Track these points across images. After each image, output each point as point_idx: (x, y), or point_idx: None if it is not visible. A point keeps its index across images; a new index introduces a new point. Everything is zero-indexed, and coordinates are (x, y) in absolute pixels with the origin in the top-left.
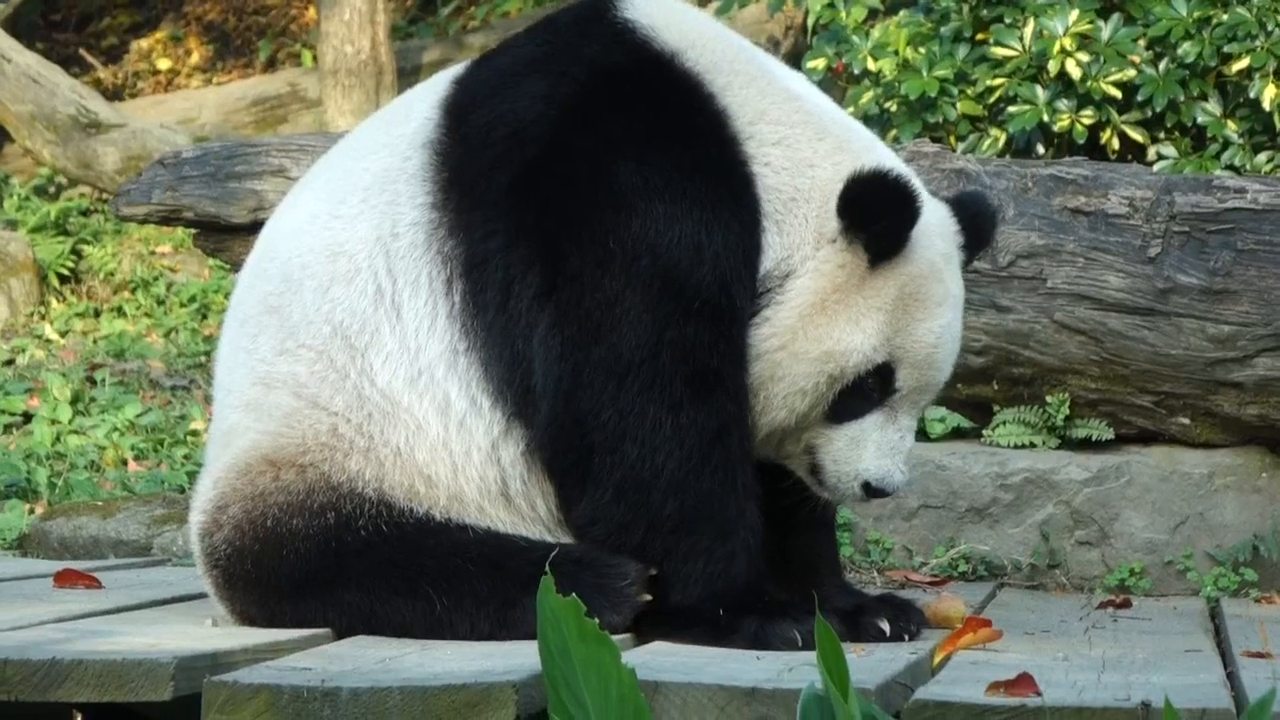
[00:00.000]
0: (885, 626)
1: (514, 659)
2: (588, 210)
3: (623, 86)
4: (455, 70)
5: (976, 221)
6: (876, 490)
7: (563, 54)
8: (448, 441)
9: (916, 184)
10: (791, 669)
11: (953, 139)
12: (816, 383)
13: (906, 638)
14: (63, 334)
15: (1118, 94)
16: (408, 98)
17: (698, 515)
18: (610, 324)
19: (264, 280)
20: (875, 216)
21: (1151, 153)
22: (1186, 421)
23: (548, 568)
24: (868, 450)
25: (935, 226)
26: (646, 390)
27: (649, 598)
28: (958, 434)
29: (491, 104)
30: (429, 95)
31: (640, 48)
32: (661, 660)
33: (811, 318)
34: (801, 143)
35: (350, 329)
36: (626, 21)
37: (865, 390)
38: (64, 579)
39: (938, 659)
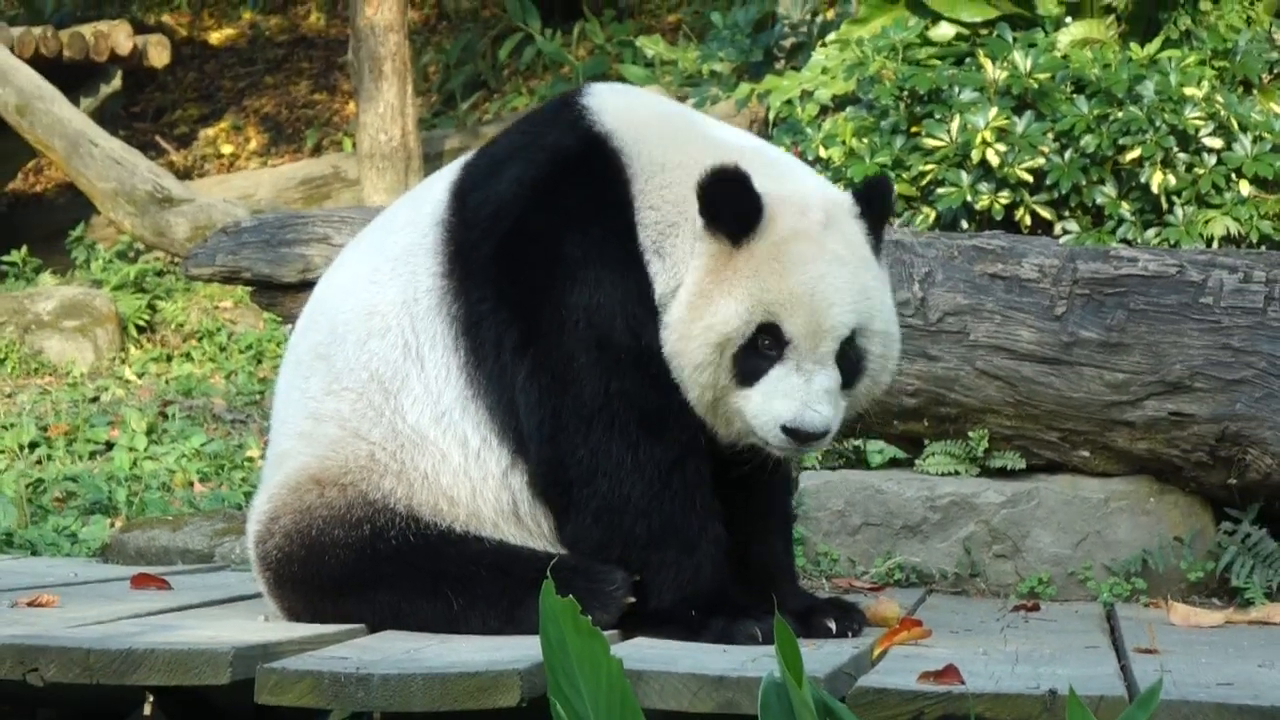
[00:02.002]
0: (832, 625)
1: (519, 651)
2: (546, 279)
3: (569, 168)
4: (466, 156)
5: (872, 195)
6: (795, 430)
7: (535, 142)
8: (467, 469)
9: (757, 173)
10: (754, 660)
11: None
12: (706, 354)
13: (850, 634)
14: (139, 375)
15: (1030, 179)
16: (430, 180)
17: (664, 534)
18: (571, 377)
19: (315, 331)
20: (719, 205)
21: (1058, 228)
22: (1087, 454)
23: (548, 574)
24: (777, 399)
25: (799, 201)
26: (608, 432)
27: (633, 600)
28: (894, 463)
29: (483, 187)
30: (444, 179)
31: (586, 132)
32: (644, 652)
33: (695, 304)
34: (691, 175)
35: (385, 375)
36: (582, 109)
37: (762, 350)
38: (139, 581)
39: (877, 652)
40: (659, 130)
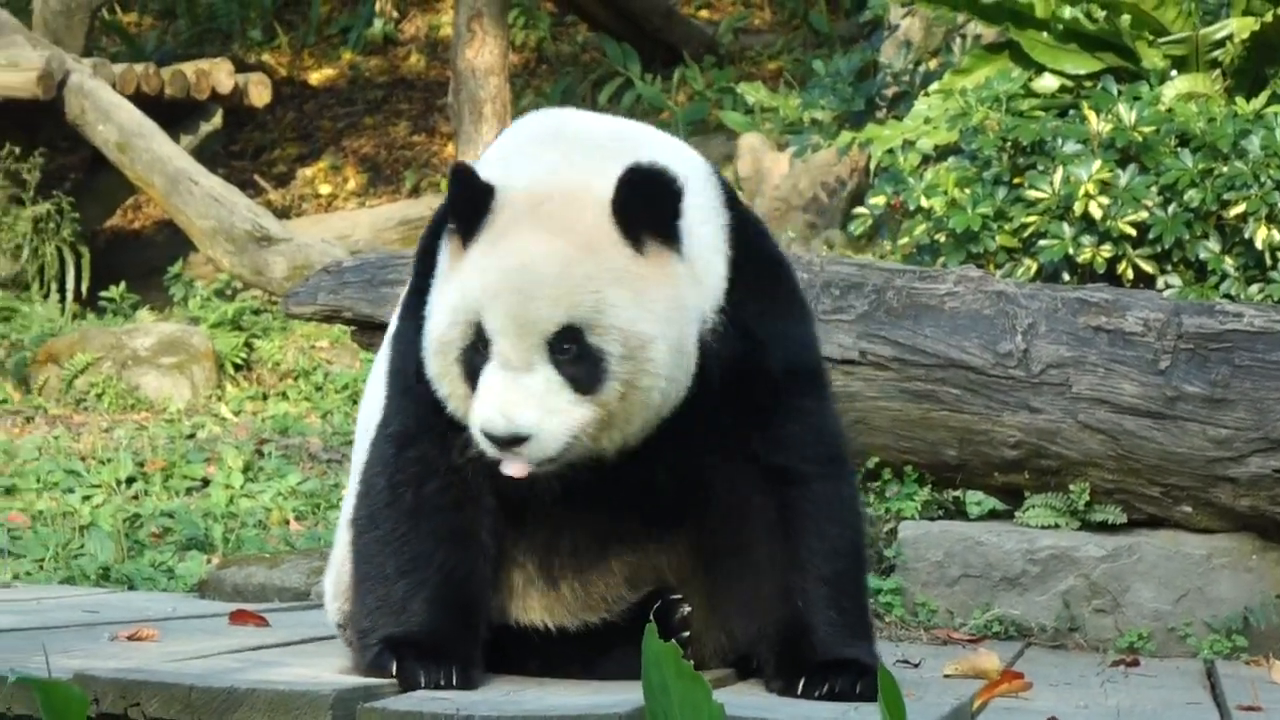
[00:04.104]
0: (833, 687)
1: (619, 695)
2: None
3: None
4: None
5: (621, 188)
6: (487, 434)
7: None
8: None
9: (525, 166)
10: (855, 709)
11: (992, 266)
12: (438, 364)
13: (843, 699)
14: (236, 413)
15: (1132, 232)
16: None
17: (378, 554)
18: (385, 409)
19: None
20: (450, 203)
21: (1160, 283)
22: (1189, 510)
23: None
24: (478, 401)
25: (540, 193)
26: (372, 450)
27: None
28: (993, 515)
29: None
30: None
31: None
32: (744, 699)
33: (428, 313)
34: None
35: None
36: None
37: (480, 351)
38: (238, 618)
39: (977, 704)
40: (512, 139)
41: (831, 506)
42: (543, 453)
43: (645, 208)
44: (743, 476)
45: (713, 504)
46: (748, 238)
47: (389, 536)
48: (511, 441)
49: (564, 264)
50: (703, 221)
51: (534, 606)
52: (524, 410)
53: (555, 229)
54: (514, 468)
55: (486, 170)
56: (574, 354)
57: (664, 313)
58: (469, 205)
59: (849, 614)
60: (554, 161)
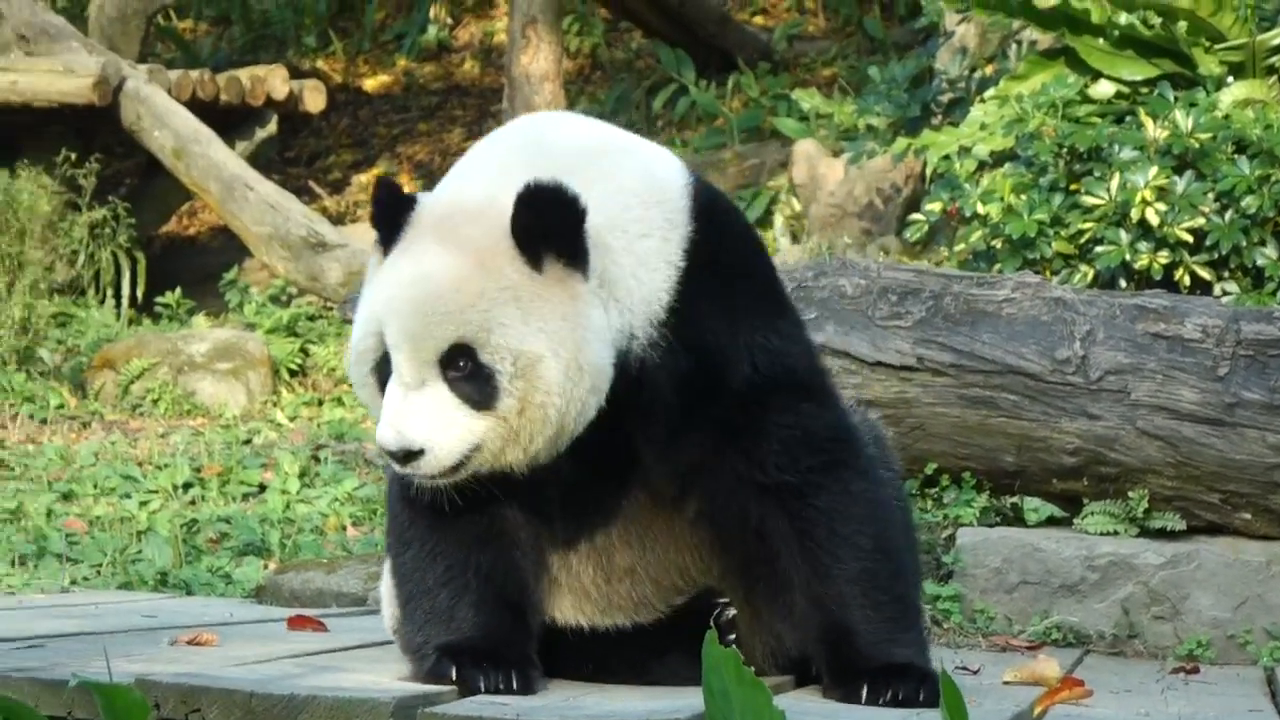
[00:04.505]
0: (891, 694)
1: (680, 700)
2: None
3: None
4: None
5: (517, 207)
6: (385, 449)
7: None
8: None
9: (466, 177)
10: (918, 715)
11: (1048, 272)
12: (358, 376)
13: (881, 704)
14: (292, 419)
15: (1189, 238)
16: None
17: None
18: None
19: None
20: (373, 217)
21: (1217, 289)
22: (1248, 516)
23: None
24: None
25: (451, 208)
26: None
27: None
28: (1052, 521)
29: None
30: None
31: None
32: (805, 704)
33: None
34: None
35: None
36: None
37: (386, 364)
38: (296, 623)
39: (1037, 711)
40: (485, 146)
41: (842, 509)
42: (438, 466)
43: (542, 226)
44: (741, 492)
45: (725, 517)
46: (712, 249)
47: (421, 551)
48: (406, 457)
49: (457, 281)
50: (643, 235)
51: (565, 606)
52: (415, 427)
53: (455, 244)
54: (419, 481)
55: (446, 178)
56: (467, 371)
57: (557, 331)
58: (387, 216)
59: (885, 607)
60: (488, 174)
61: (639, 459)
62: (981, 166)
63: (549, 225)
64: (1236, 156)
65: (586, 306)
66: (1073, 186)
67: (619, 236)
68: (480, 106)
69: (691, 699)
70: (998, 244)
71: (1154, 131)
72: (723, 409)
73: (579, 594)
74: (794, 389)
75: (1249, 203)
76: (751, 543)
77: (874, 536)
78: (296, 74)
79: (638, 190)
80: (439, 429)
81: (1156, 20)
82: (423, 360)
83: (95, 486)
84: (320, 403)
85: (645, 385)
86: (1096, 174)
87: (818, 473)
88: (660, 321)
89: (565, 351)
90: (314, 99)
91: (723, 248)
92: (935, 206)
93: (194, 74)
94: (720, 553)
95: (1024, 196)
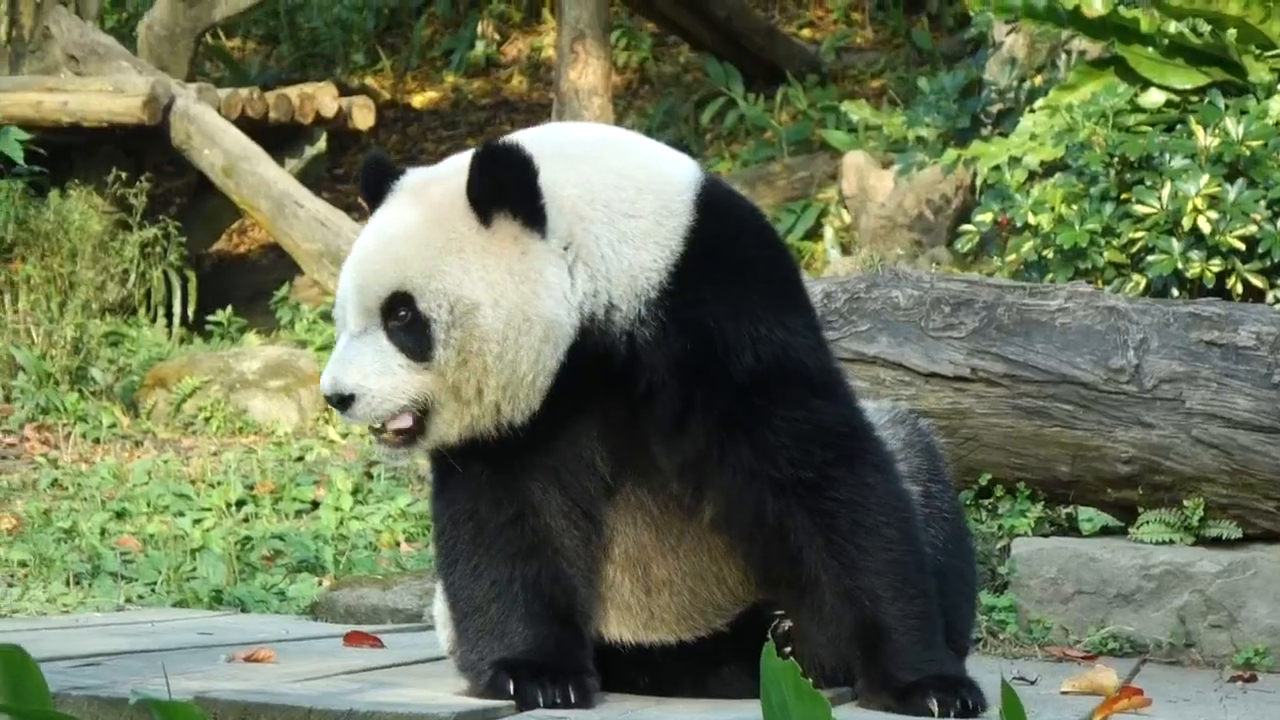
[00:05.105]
0: (934, 705)
1: (738, 713)
2: None
3: None
4: None
5: (469, 171)
6: (325, 398)
7: None
8: None
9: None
10: None
11: (1100, 282)
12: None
13: (952, 714)
14: (344, 436)
15: (1241, 246)
16: None
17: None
18: None
19: None
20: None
21: (1270, 296)
22: None
23: None
24: None
25: (426, 181)
26: None
27: None
28: (1106, 531)
29: None
30: None
31: None
32: (860, 716)
33: None
34: None
35: None
36: None
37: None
38: (352, 639)
39: None
40: None
41: (863, 500)
42: (371, 412)
43: (495, 184)
44: (754, 489)
45: (740, 516)
46: (716, 240)
47: (467, 569)
48: (340, 403)
49: (405, 232)
50: (630, 215)
51: (610, 621)
52: (349, 372)
53: (415, 203)
54: (384, 449)
55: None
56: (406, 321)
57: (499, 282)
58: (371, 185)
59: (917, 602)
60: None
61: (654, 457)
62: (1032, 177)
63: (501, 182)
64: None
65: (539, 262)
66: (1124, 196)
67: (600, 210)
68: (529, 122)
69: (750, 712)
70: (1049, 254)
71: (1205, 139)
72: (726, 398)
73: (620, 608)
74: (802, 383)
75: None
76: (772, 543)
77: (899, 528)
78: (345, 91)
79: (634, 177)
80: (371, 375)
81: (1206, 28)
82: (365, 308)
83: (149, 505)
84: None
85: (642, 366)
86: (1147, 183)
87: (832, 466)
88: (651, 300)
89: (507, 301)
90: (363, 116)
91: (730, 240)
92: (986, 217)
93: (243, 92)
94: (742, 555)
95: (1075, 206)
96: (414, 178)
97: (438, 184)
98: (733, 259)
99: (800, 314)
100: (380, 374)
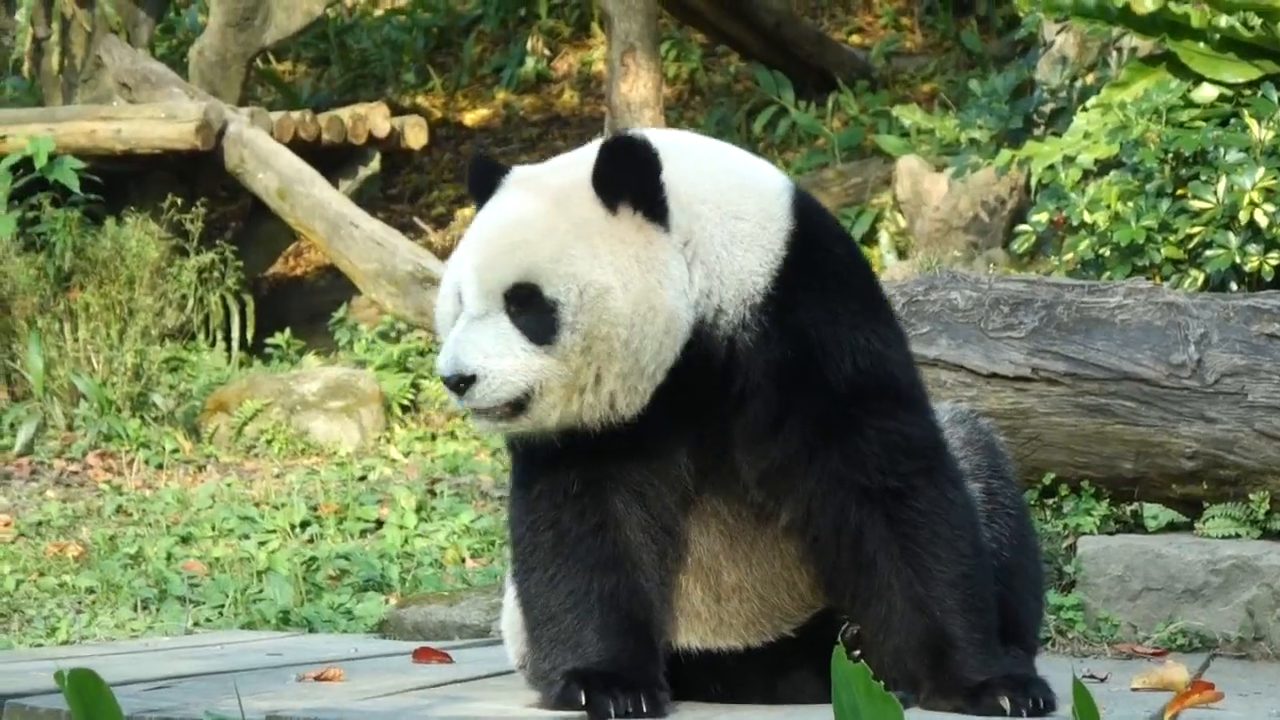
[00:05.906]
0: (1006, 704)
1: (809, 717)
2: None
3: None
4: None
5: (596, 162)
6: (443, 381)
7: None
8: None
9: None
10: None
11: (1158, 278)
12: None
13: (1024, 713)
14: (405, 454)
15: None
16: None
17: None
18: None
19: None
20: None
21: None
22: None
23: None
24: None
25: (542, 177)
26: None
27: None
28: (1172, 527)
29: None
30: None
31: None
32: (932, 718)
33: None
34: None
35: None
36: None
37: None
38: (422, 655)
39: (1168, 716)
40: None
41: (943, 513)
42: (491, 396)
43: (621, 174)
44: (838, 496)
45: (819, 523)
46: (813, 247)
47: (544, 578)
48: (459, 384)
49: (529, 218)
50: (736, 216)
51: (677, 628)
52: (470, 353)
53: (536, 192)
54: (483, 424)
55: None
56: (530, 305)
57: (627, 269)
58: (479, 180)
59: (986, 615)
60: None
61: (735, 464)
62: (1086, 175)
63: (628, 173)
64: None
65: (664, 254)
66: (1179, 191)
67: (711, 209)
68: (581, 136)
69: (822, 717)
70: (1106, 252)
71: (1259, 133)
72: (823, 405)
73: (689, 615)
74: (894, 395)
75: None
76: (845, 550)
77: (971, 542)
78: (397, 111)
79: (736, 178)
80: (494, 356)
81: (1257, 21)
82: (487, 292)
83: (213, 528)
84: (433, 437)
85: (739, 370)
86: (1203, 178)
87: (915, 477)
88: (756, 305)
89: (634, 288)
90: (415, 135)
91: (825, 248)
92: (1042, 217)
93: (295, 115)
94: (813, 562)
95: (1131, 203)
96: (522, 172)
97: (554, 175)
98: (829, 266)
99: (891, 325)
100: (502, 356)
